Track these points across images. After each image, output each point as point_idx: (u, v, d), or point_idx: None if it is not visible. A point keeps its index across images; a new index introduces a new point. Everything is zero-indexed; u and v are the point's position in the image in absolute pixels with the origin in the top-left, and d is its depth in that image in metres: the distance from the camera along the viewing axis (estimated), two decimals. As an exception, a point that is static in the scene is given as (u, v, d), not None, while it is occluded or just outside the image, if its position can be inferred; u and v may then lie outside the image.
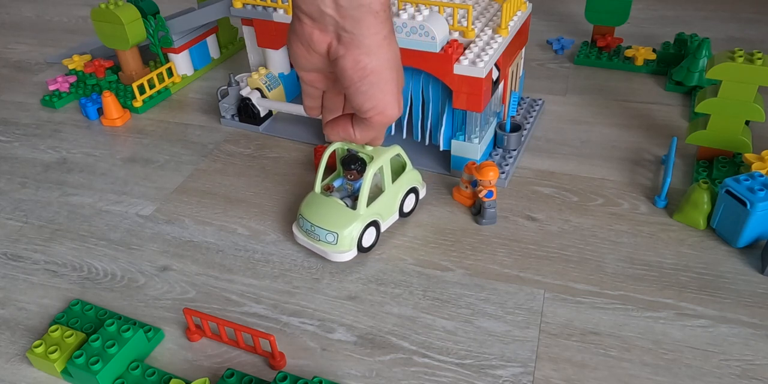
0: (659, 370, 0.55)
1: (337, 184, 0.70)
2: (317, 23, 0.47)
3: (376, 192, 0.68)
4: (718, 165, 0.76)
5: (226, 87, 0.90)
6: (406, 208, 0.72)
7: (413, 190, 0.71)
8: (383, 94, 0.50)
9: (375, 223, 0.67)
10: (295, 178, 0.81)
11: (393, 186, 0.68)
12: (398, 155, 0.69)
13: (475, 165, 0.71)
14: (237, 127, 0.92)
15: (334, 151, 0.70)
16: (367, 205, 0.65)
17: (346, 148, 0.67)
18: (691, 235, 0.69)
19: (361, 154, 0.65)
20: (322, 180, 0.69)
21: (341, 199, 0.67)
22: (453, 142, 0.77)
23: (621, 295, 0.62)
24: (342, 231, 0.64)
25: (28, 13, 1.41)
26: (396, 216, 0.71)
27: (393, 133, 0.85)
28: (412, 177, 0.71)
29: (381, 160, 0.65)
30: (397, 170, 0.71)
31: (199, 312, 0.58)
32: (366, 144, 0.63)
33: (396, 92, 0.51)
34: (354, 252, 0.66)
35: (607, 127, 0.89)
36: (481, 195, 0.70)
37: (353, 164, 0.65)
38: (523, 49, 0.87)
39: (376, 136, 0.59)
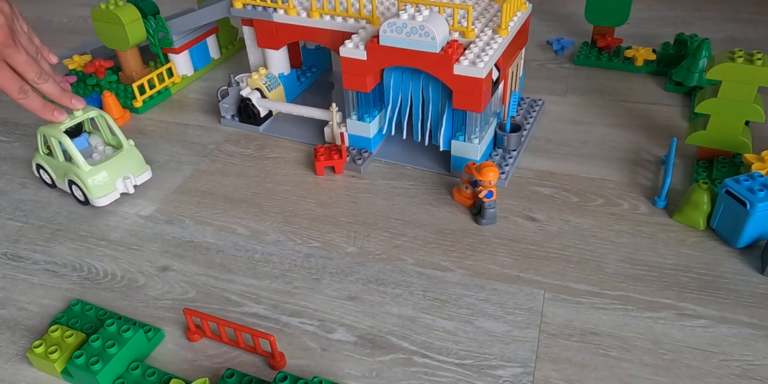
0: (659, 370, 0.55)
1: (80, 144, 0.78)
2: None
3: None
4: (718, 165, 0.76)
5: (226, 87, 0.90)
6: (77, 195, 0.78)
7: (72, 182, 0.76)
8: None
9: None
10: (295, 178, 0.81)
11: (61, 163, 0.76)
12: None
13: (475, 165, 0.71)
14: (237, 127, 0.92)
15: None
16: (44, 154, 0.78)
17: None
18: (691, 236, 0.69)
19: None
20: None
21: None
22: (453, 142, 0.77)
23: (621, 296, 0.63)
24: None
25: (28, 13, 1.40)
26: (65, 186, 0.78)
27: (393, 133, 0.85)
28: (74, 173, 0.74)
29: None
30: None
31: (199, 312, 0.58)
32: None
33: None
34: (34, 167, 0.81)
35: (607, 127, 0.89)
36: (481, 195, 0.70)
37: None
38: (523, 50, 0.87)
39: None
